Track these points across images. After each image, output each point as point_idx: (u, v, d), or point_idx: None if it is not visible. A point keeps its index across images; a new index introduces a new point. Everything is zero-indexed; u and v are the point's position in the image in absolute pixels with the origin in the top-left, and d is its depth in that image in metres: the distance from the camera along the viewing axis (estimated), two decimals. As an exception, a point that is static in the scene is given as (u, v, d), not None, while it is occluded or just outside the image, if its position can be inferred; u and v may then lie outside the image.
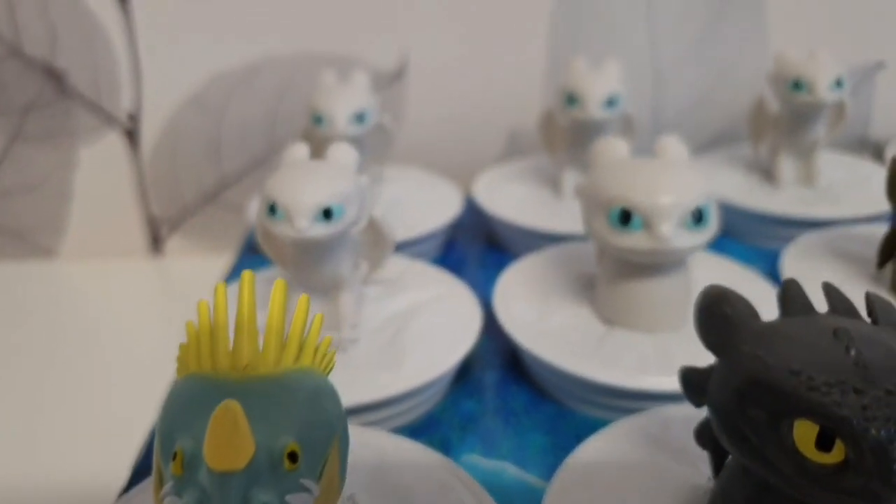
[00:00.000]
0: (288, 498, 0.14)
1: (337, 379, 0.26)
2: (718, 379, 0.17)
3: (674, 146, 0.28)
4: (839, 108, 0.40)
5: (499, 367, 0.31)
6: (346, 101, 0.36)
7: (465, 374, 0.30)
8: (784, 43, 0.46)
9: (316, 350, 0.17)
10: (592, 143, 0.39)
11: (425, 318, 0.30)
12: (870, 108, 0.49)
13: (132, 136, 0.50)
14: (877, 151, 0.46)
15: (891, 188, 0.30)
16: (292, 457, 0.14)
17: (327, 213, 0.25)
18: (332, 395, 0.16)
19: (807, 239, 0.35)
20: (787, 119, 0.40)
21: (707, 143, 0.50)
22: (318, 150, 0.39)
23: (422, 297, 0.31)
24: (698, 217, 0.26)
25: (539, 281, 0.32)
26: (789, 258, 0.34)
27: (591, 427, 0.23)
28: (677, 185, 0.26)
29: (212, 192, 0.51)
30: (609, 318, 0.29)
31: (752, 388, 0.15)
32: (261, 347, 0.16)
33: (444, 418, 0.28)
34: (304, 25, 0.47)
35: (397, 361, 0.27)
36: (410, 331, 0.29)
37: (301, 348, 0.16)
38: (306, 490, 0.14)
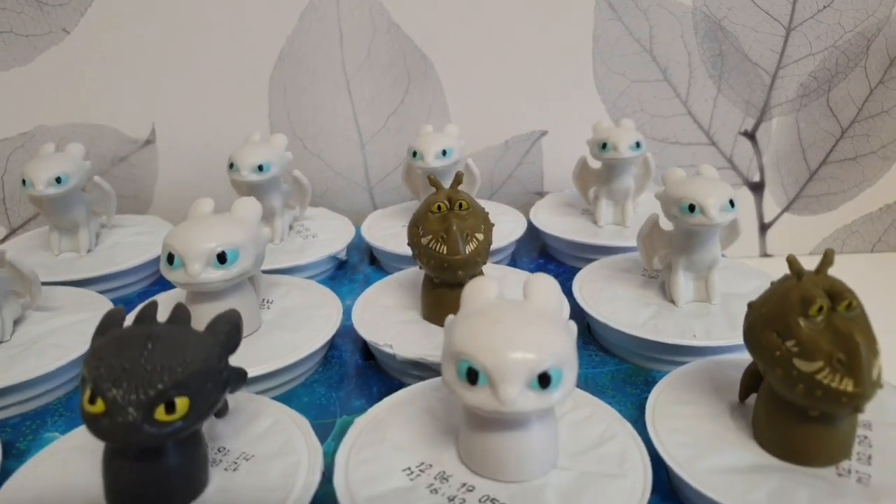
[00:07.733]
0: None
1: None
2: None
3: (244, 207, 0.38)
4: (469, 173, 0.51)
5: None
6: (45, 167, 0.45)
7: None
8: (461, 113, 0.57)
9: None
10: (260, 200, 0.49)
11: (62, 335, 0.39)
12: (541, 167, 0.60)
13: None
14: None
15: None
16: None
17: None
18: None
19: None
20: (423, 189, 0.51)
21: (410, 198, 0.60)
22: (37, 206, 0.48)
23: (72, 319, 0.41)
24: (223, 258, 0.35)
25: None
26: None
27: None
28: (205, 235, 0.35)
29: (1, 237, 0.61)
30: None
31: None
32: None
33: (55, 408, 0.37)
34: (70, 100, 0.57)
35: (13, 366, 0.36)
36: (41, 343, 0.38)
37: None
38: None
